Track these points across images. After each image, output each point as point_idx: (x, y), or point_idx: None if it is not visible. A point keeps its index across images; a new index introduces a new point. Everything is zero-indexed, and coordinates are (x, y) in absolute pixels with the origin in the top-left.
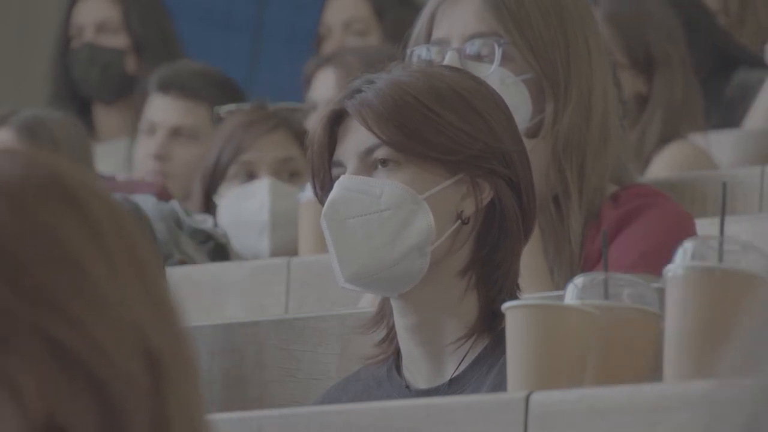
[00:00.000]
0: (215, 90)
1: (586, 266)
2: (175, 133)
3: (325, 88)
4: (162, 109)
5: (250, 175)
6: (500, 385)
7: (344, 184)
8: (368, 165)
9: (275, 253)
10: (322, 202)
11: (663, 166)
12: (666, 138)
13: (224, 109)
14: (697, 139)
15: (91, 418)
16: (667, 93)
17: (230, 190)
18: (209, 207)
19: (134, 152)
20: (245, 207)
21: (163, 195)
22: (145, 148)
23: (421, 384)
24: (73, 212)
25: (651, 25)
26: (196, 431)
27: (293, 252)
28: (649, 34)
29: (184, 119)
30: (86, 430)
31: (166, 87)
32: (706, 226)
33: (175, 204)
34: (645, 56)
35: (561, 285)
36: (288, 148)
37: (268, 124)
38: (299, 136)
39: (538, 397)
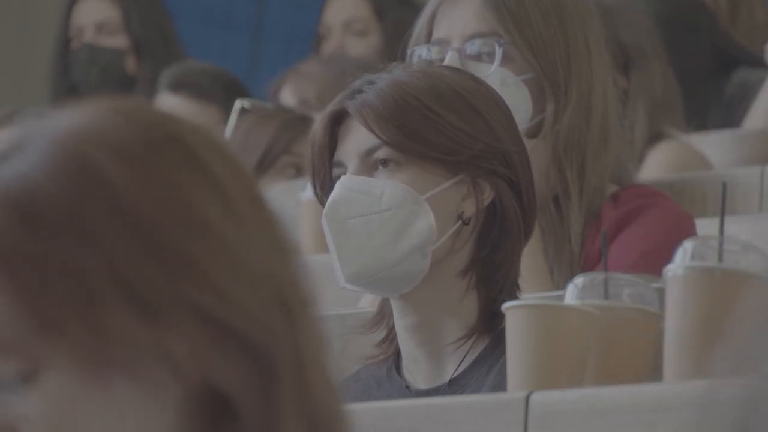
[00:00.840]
0: (224, 91)
1: (586, 266)
2: None
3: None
4: (171, 109)
5: (299, 170)
6: (500, 385)
7: (345, 184)
8: (369, 165)
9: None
10: (322, 202)
11: (656, 166)
12: (654, 134)
13: (247, 102)
14: (691, 138)
15: (245, 375)
16: (646, 87)
17: (277, 182)
18: None
19: None
20: (293, 203)
21: None
22: None
23: (421, 384)
24: (195, 172)
25: (620, 22)
26: (323, 367)
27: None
28: (620, 31)
29: (194, 120)
30: (242, 386)
31: (176, 87)
32: (706, 226)
33: None
34: (621, 52)
35: (561, 285)
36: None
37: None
38: None
39: (538, 397)
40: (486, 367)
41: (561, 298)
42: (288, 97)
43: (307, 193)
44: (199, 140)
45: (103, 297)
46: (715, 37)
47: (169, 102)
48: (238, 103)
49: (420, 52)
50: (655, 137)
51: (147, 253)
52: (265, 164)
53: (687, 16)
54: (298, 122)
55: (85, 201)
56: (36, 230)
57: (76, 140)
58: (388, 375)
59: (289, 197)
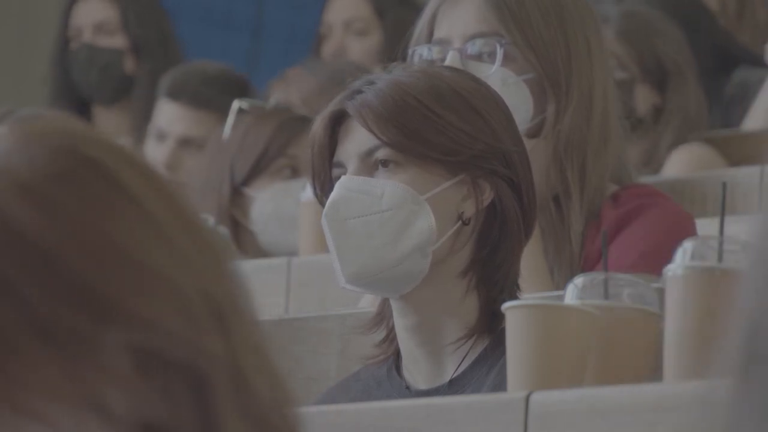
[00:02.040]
0: (227, 95)
1: (586, 266)
2: (184, 143)
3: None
4: (171, 117)
5: (295, 169)
6: (500, 385)
7: (345, 184)
8: (369, 166)
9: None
10: (322, 202)
11: (679, 167)
12: (677, 145)
13: (245, 103)
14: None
15: (184, 404)
16: (682, 103)
17: (272, 184)
18: (236, 198)
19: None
20: (290, 203)
21: None
22: (154, 154)
23: (421, 384)
24: (112, 196)
25: (660, 39)
26: (268, 373)
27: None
28: (659, 48)
29: (193, 129)
30: (181, 416)
31: (176, 94)
32: (706, 226)
33: None
34: (658, 68)
35: (561, 285)
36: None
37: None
38: None
39: (538, 397)
40: (486, 367)
41: (561, 298)
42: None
43: (307, 193)
44: (117, 159)
45: (19, 347)
46: (715, 37)
47: (169, 109)
48: (236, 104)
49: (421, 52)
50: (676, 145)
51: (65, 297)
52: (261, 166)
53: (687, 16)
54: (295, 123)
55: None
56: None
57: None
58: (388, 375)
59: (286, 197)
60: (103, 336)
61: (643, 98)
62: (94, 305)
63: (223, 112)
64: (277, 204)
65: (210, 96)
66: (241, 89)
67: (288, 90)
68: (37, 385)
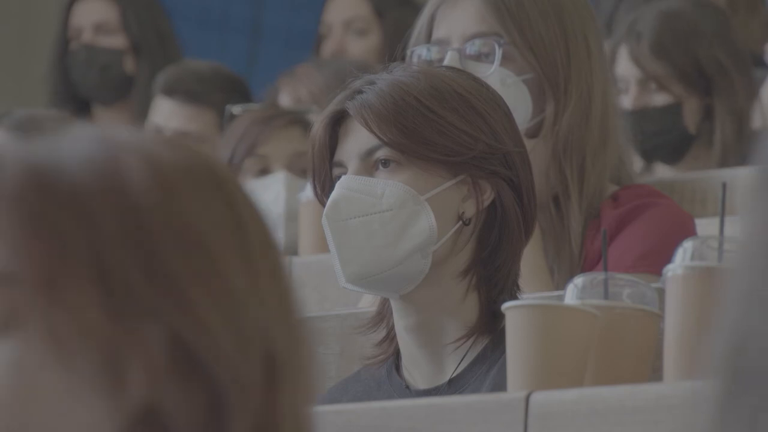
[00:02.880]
0: (221, 92)
1: (586, 266)
2: (180, 138)
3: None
4: (167, 114)
5: (264, 170)
6: (500, 385)
7: (346, 184)
8: (369, 165)
9: (287, 247)
10: (322, 202)
11: None
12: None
13: (237, 108)
14: None
15: (195, 412)
16: (731, 104)
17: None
18: None
19: None
20: (260, 200)
21: None
22: None
23: (421, 384)
24: (219, 202)
25: (697, 40)
26: (300, 428)
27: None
28: (699, 52)
29: (189, 125)
30: (186, 422)
31: (170, 91)
32: (706, 226)
33: None
34: (700, 76)
35: (561, 285)
36: (302, 144)
37: (284, 120)
38: None
39: (538, 397)
40: (486, 366)
41: (561, 298)
42: (284, 100)
43: (307, 192)
44: (234, 182)
45: (76, 275)
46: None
47: (164, 106)
48: (228, 110)
49: (420, 52)
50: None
51: (138, 259)
52: (233, 168)
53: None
54: (269, 122)
55: (101, 194)
56: (48, 198)
57: (117, 148)
58: (388, 375)
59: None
60: (154, 312)
61: (691, 113)
62: (161, 280)
63: (217, 108)
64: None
65: (204, 92)
66: (235, 87)
67: (297, 86)
68: (74, 310)
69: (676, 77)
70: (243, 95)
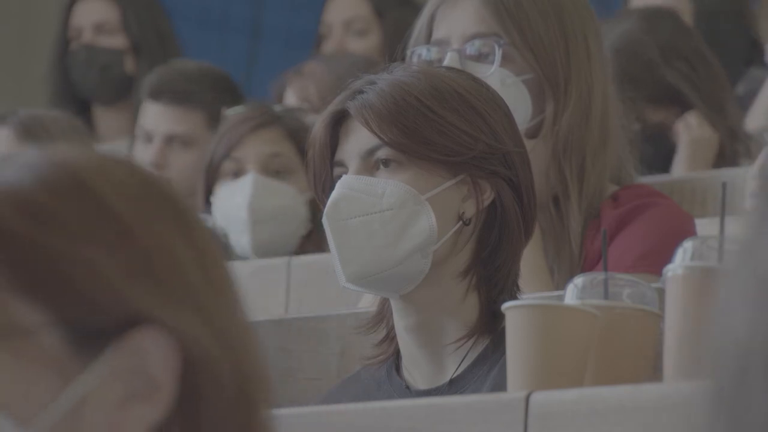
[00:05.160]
0: (209, 91)
1: (586, 266)
2: (170, 140)
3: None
4: (154, 117)
5: (239, 172)
6: (500, 385)
7: (346, 183)
8: (370, 165)
9: (260, 249)
10: (323, 202)
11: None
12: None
13: (231, 111)
14: None
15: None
16: (706, 104)
17: (222, 188)
18: (209, 207)
19: (132, 157)
20: (230, 204)
21: None
22: (142, 156)
23: (421, 384)
24: (181, 231)
25: (660, 64)
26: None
27: (281, 249)
28: (665, 73)
29: (176, 126)
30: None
31: (156, 94)
32: (706, 226)
33: None
34: (669, 93)
35: (561, 285)
36: (277, 144)
37: (257, 121)
38: (293, 133)
39: (538, 397)
40: (486, 366)
41: (561, 298)
42: (291, 98)
43: None
44: (188, 209)
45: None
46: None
47: (152, 109)
48: (224, 112)
49: (420, 53)
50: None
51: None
52: (212, 172)
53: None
54: (244, 124)
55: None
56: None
57: (76, 167)
58: (388, 376)
59: (227, 200)
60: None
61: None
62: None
63: (206, 109)
64: (224, 207)
65: (190, 92)
66: (224, 85)
67: (304, 84)
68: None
69: (647, 99)
70: (232, 94)
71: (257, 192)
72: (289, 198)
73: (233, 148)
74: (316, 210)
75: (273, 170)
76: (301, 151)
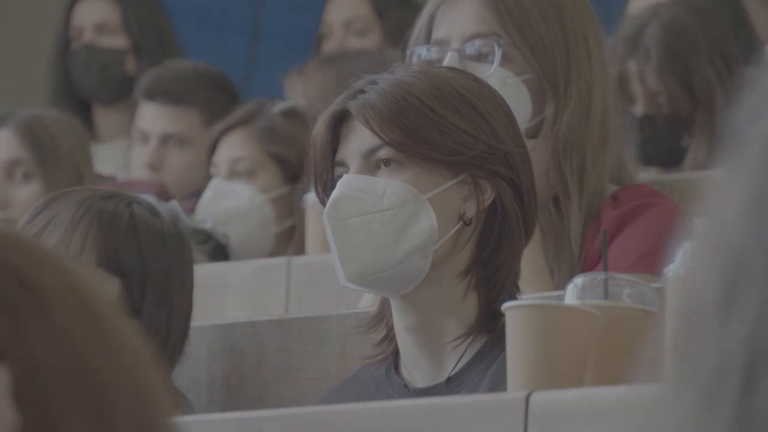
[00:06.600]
0: (204, 91)
1: (586, 266)
2: (166, 140)
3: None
4: (149, 117)
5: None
6: (499, 383)
7: (347, 182)
8: (371, 165)
9: (231, 251)
10: (323, 202)
11: None
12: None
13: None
14: None
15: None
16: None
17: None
18: None
19: (130, 158)
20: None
21: (163, 195)
22: (139, 156)
23: (419, 382)
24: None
25: (695, 59)
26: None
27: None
28: (697, 68)
29: (172, 126)
30: None
31: (151, 94)
32: None
33: (174, 204)
34: (691, 102)
35: (561, 285)
36: (240, 147)
37: (226, 124)
38: (261, 133)
39: (538, 397)
40: (484, 364)
41: (561, 298)
42: (292, 98)
43: (313, 195)
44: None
45: None
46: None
47: (147, 109)
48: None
49: (420, 53)
50: None
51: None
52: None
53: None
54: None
55: None
56: None
57: None
58: (386, 375)
59: (214, 202)
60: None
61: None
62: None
63: (201, 108)
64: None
65: (185, 92)
66: (219, 85)
67: (306, 84)
68: None
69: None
70: (228, 94)
71: (207, 197)
72: (243, 199)
73: (213, 152)
74: (288, 208)
75: (237, 173)
76: (269, 150)
